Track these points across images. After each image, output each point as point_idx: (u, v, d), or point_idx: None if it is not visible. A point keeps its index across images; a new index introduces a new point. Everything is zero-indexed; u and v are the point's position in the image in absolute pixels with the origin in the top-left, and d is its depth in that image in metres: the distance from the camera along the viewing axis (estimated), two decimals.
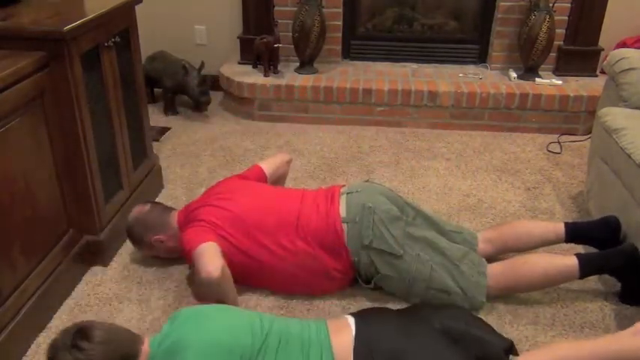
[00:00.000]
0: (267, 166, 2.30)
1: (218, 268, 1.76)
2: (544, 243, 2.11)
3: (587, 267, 1.90)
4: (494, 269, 1.95)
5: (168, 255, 2.16)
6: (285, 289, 2.03)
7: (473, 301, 1.91)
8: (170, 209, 2.17)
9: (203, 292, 1.77)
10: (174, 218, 2.12)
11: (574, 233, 2.08)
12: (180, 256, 2.09)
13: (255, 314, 1.58)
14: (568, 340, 1.83)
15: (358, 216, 1.93)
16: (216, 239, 1.90)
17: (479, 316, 1.88)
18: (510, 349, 1.59)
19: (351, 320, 1.57)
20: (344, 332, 1.53)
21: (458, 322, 1.62)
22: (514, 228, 2.15)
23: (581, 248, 2.19)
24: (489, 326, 1.67)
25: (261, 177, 2.25)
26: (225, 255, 1.88)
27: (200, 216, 1.99)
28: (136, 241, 2.15)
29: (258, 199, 2.05)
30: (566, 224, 2.09)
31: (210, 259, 1.79)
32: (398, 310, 1.84)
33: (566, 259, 1.92)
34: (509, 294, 2.00)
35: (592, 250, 2.08)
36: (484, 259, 1.99)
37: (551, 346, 1.66)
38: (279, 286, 2.02)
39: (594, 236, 2.07)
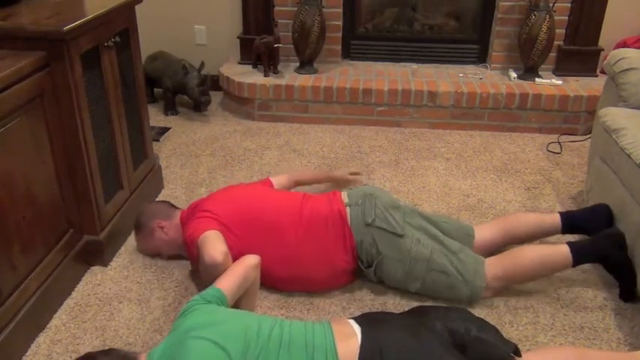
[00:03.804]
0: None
1: (222, 253, 1.78)
2: (541, 230, 2.16)
3: (579, 252, 1.95)
4: (491, 260, 2.00)
5: (167, 248, 2.16)
6: (287, 284, 2.03)
7: (472, 286, 1.94)
8: (176, 208, 2.24)
9: (207, 279, 1.79)
10: (177, 214, 2.18)
11: (570, 223, 2.14)
12: (180, 252, 2.12)
13: (255, 318, 1.56)
14: (575, 346, 1.82)
15: (360, 200, 2.02)
16: (219, 228, 1.93)
17: (478, 315, 1.89)
18: (514, 352, 1.58)
19: (357, 327, 1.55)
20: (350, 339, 1.51)
21: (462, 325, 1.60)
22: (510, 217, 2.25)
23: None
24: (494, 328, 1.65)
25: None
26: (228, 244, 1.90)
27: (204, 207, 2.04)
28: (140, 228, 2.18)
29: (261, 194, 2.13)
30: (562, 214, 2.16)
31: (213, 244, 1.82)
32: (400, 313, 1.81)
33: (557, 246, 1.99)
34: (507, 285, 2.01)
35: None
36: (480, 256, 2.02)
37: (560, 349, 1.67)
38: (281, 279, 2.01)
39: (589, 226, 2.13)
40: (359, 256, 1.99)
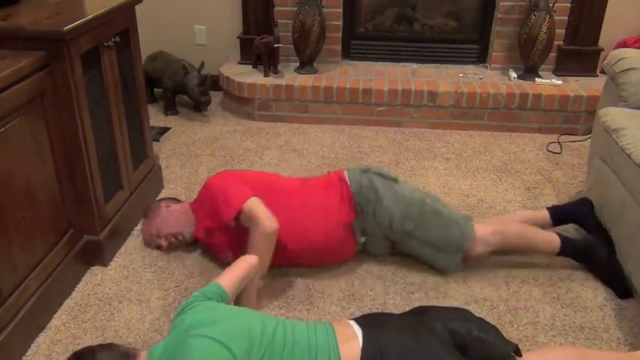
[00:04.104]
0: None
1: (275, 220, 1.93)
2: (535, 225, 2.23)
3: (568, 240, 2.12)
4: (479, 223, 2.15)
5: (172, 225, 2.20)
6: (294, 252, 2.07)
7: (464, 230, 2.07)
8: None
9: (263, 247, 1.92)
10: (186, 203, 2.30)
11: (558, 217, 2.29)
12: (184, 229, 2.20)
13: (259, 318, 1.55)
14: (575, 346, 1.83)
15: (357, 167, 2.24)
16: (253, 194, 2.01)
17: (478, 315, 1.88)
18: (515, 352, 1.58)
19: (358, 329, 1.54)
20: (352, 341, 1.51)
21: (463, 325, 1.59)
22: (507, 214, 2.47)
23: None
24: (494, 328, 1.65)
25: None
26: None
27: (222, 172, 2.24)
28: (147, 212, 2.26)
29: (267, 173, 2.34)
30: (549, 209, 2.31)
31: (264, 213, 1.94)
32: (400, 314, 1.79)
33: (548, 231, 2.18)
34: (496, 242, 2.09)
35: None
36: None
37: (561, 349, 1.66)
38: (288, 246, 2.04)
39: (577, 217, 2.29)
40: (358, 204, 2.09)
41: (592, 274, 2.13)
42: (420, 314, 1.68)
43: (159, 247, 2.25)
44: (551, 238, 2.11)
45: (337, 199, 2.10)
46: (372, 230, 2.12)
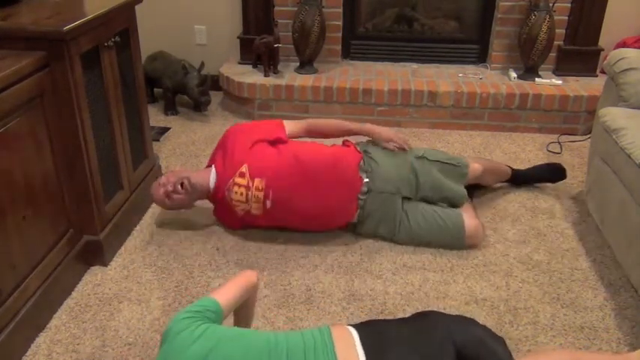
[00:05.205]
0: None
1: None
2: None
3: (515, 170, 2.73)
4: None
5: (181, 173, 2.28)
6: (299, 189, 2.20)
7: (461, 158, 2.46)
8: None
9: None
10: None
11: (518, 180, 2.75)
12: (203, 178, 2.29)
13: (256, 349, 1.40)
14: (571, 349, 1.82)
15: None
16: None
17: (478, 316, 1.89)
18: None
19: (360, 350, 1.43)
20: None
21: (468, 339, 1.49)
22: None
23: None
24: (500, 339, 1.58)
25: None
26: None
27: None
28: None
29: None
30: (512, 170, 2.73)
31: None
32: (403, 323, 1.64)
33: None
34: (483, 163, 2.54)
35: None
36: None
37: (552, 353, 1.65)
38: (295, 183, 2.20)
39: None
40: (361, 147, 2.37)
41: (540, 182, 2.72)
42: (422, 323, 1.57)
43: (167, 197, 2.26)
44: (507, 168, 2.72)
45: (340, 146, 2.37)
46: (380, 163, 2.29)
